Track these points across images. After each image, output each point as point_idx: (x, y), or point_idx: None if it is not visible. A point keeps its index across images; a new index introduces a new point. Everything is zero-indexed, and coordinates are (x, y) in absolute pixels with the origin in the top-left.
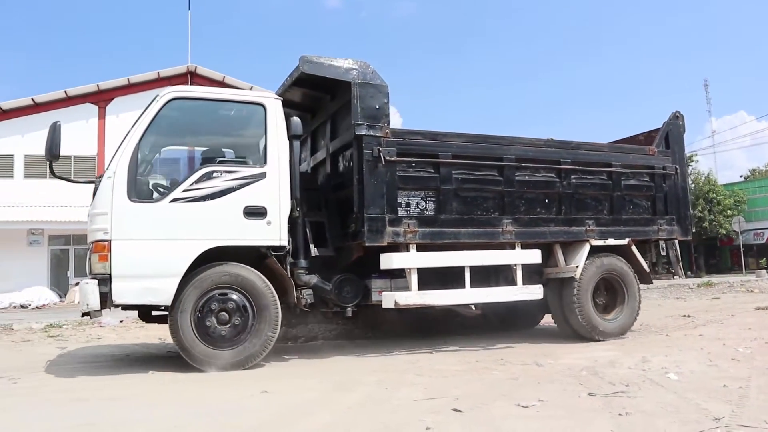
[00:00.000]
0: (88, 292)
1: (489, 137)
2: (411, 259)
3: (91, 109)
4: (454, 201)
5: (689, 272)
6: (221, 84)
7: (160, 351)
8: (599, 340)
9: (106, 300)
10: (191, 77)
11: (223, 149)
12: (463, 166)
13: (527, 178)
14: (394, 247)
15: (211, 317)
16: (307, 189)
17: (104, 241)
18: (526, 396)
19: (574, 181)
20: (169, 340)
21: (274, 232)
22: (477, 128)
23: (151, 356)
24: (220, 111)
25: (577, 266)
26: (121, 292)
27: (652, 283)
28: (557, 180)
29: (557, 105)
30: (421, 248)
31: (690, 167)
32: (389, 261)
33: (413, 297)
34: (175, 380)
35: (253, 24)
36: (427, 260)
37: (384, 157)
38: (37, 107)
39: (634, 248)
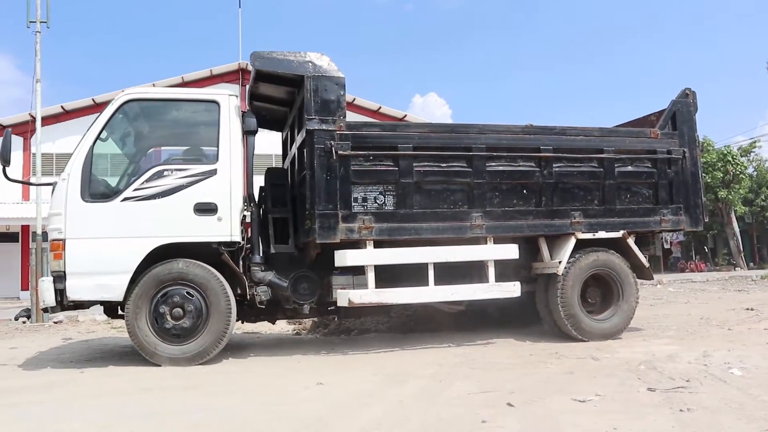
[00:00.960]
0: (44, 289)
1: (457, 126)
2: (367, 256)
3: None
4: (417, 195)
5: (752, 263)
6: None
7: None
8: (584, 341)
9: (62, 297)
10: (242, 74)
11: (178, 147)
12: (427, 157)
13: (501, 168)
14: (355, 244)
15: (165, 313)
16: (274, 184)
17: (59, 240)
18: (582, 390)
19: (557, 169)
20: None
21: (224, 229)
22: (525, 118)
23: None
24: (175, 110)
25: (560, 261)
26: (74, 289)
27: (652, 279)
28: (537, 169)
29: (612, 91)
30: (382, 244)
31: (752, 153)
32: (343, 258)
33: (369, 295)
34: (233, 371)
35: (303, 20)
36: (385, 257)
37: (336, 152)
38: (97, 107)
39: (630, 241)
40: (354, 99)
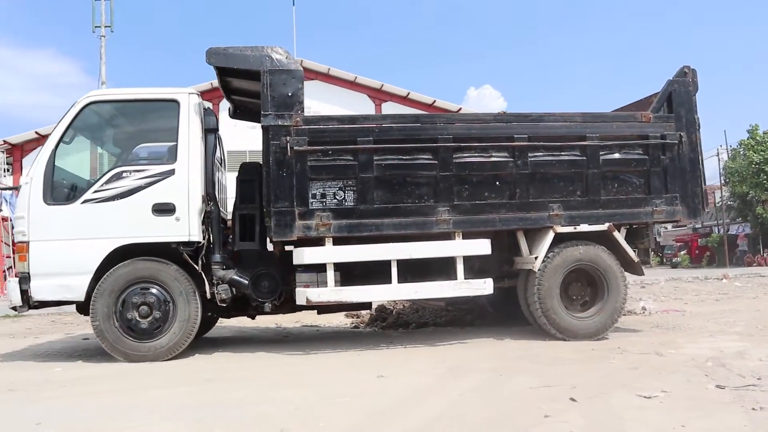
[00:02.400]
0: (11, 289)
1: (423, 117)
2: (325, 254)
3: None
4: (378, 189)
5: None
6: (326, 76)
7: (278, 335)
8: (566, 340)
9: (28, 297)
10: None
11: (139, 147)
12: (389, 150)
13: (470, 159)
14: (317, 241)
15: (132, 312)
16: (243, 180)
17: (23, 242)
18: (647, 386)
19: (533, 159)
20: (286, 323)
21: (183, 228)
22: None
23: (267, 340)
24: (138, 110)
25: (536, 257)
26: (38, 290)
27: (642, 274)
28: (510, 159)
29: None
30: (350, 241)
31: None
32: (301, 256)
33: (327, 293)
34: (293, 364)
35: (357, 15)
36: (344, 254)
37: (292, 147)
38: None
39: (616, 234)
40: (408, 93)
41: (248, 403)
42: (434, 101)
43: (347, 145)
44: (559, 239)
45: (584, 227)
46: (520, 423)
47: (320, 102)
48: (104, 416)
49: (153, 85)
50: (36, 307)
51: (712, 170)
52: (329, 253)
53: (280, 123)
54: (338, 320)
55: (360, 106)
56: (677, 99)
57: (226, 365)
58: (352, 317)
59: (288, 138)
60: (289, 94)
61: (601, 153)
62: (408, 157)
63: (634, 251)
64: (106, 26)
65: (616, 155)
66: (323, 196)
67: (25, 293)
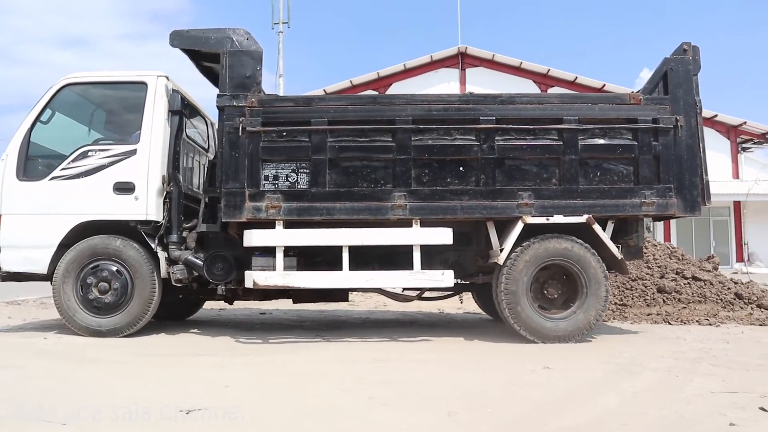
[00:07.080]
0: None
1: (380, 98)
2: (273, 236)
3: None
4: (332, 172)
5: None
6: (490, 62)
7: (441, 320)
8: (536, 342)
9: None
10: (462, 58)
11: (107, 128)
12: (343, 132)
13: (430, 142)
14: (271, 224)
15: (91, 287)
16: (214, 165)
17: None
18: None
19: (500, 144)
20: (449, 309)
21: (141, 207)
22: None
23: (432, 324)
24: (110, 92)
25: (502, 249)
26: (7, 261)
27: (627, 273)
28: (475, 143)
29: None
30: (316, 224)
31: None
32: (249, 238)
33: (274, 277)
34: (452, 350)
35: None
36: (293, 237)
37: (245, 128)
38: (353, 88)
39: (596, 227)
40: (576, 78)
41: (416, 381)
42: (604, 85)
43: (301, 126)
44: (533, 231)
45: (558, 218)
46: (702, 428)
47: (483, 89)
48: (288, 383)
49: (327, 77)
50: (8, 279)
51: None
52: (278, 236)
53: (234, 104)
54: None
55: (525, 92)
56: (674, 79)
57: (394, 346)
58: None
59: (242, 119)
60: (247, 75)
61: (580, 138)
62: (364, 139)
63: (618, 248)
64: (284, 22)
65: (599, 140)
66: (275, 178)
67: None
